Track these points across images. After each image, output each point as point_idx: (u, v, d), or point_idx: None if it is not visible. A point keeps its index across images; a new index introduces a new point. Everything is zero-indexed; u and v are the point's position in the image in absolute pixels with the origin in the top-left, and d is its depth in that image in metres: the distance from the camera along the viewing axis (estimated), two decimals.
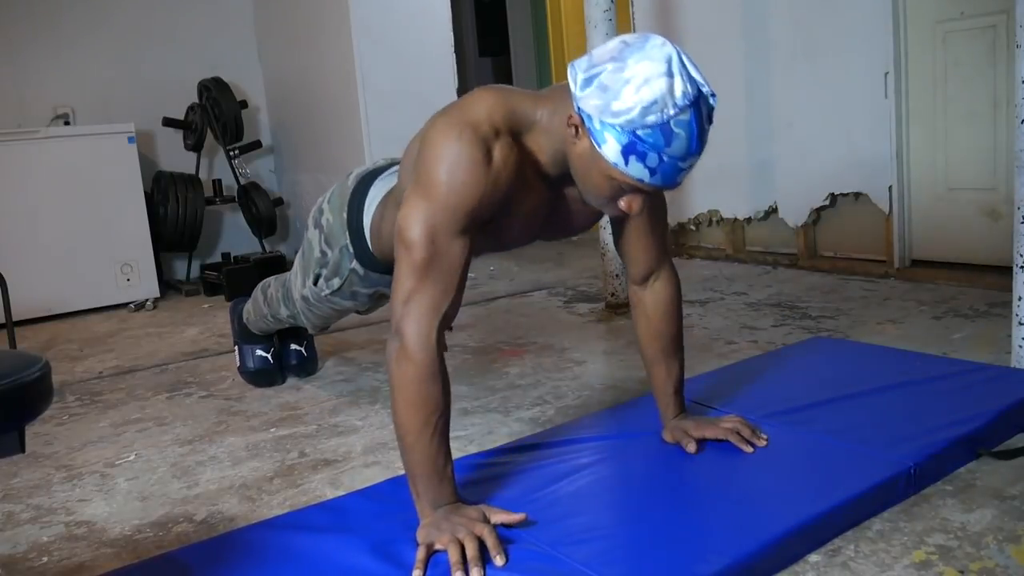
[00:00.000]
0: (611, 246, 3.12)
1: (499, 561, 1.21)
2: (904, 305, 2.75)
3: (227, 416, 2.19)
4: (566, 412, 1.99)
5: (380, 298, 1.95)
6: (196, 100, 4.36)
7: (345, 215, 1.74)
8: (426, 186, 1.27)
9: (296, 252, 4.47)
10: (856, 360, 2.06)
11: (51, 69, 4.18)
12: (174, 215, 4.08)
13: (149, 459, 1.93)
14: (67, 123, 4.14)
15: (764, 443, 1.55)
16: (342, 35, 3.93)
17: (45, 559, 1.47)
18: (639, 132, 1.15)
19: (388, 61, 3.96)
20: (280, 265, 4.14)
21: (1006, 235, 2.52)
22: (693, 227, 4.02)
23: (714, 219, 3.89)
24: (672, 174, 1.19)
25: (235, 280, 3.82)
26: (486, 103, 1.29)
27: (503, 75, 6.96)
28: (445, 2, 4.13)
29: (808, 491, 1.36)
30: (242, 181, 4.36)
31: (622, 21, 3.45)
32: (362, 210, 1.72)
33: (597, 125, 1.18)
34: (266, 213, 4.34)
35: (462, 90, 4.29)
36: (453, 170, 1.25)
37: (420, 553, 1.23)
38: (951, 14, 2.94)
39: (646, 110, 1.14)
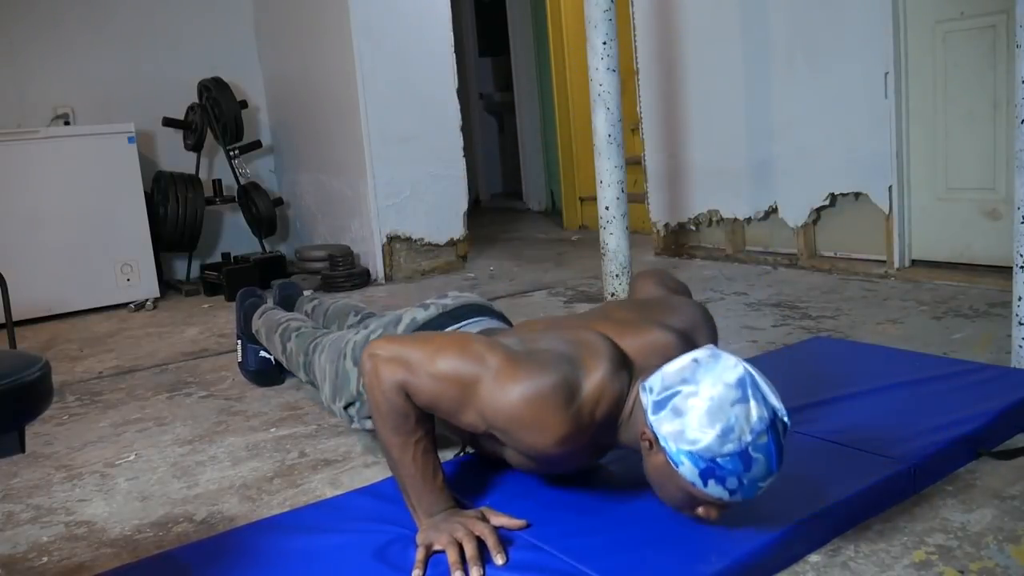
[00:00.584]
0: (611, 246, 3.12)
1: (499, 560, 1.21)
2: (904, 305, 2.75)
3: (227, 416, 2.19)
4: None
5: None
6: (196, 100, 4.36)
7: None
8: (502, 380, 1.24)
9: (295, 252, 4.46)
10: (856, 360, 2.06)
11: (51, 69, 4.18)
12: (174, 215, 4.08)
13: (149, 459, 1.93)
14: (67, 123, 4.14)
15: None
16: (342, 35, 3.93)
17: (45, 559, 1.47)
18: (717, 459, 1.12)
19: (388, 61, 3.96)
20: (280, 265, 4.15)
21: (1006, 235, 2.52)
22: (693, 227, 4.02)
23: (714, 219, 3.89)
24: (752, 492, 1.16)
25: (235, 280, 3.82)
26: (605, 387, 1.24)
27: (503, 75, 6.96)
28: (445, 2, 4.13)
29: (808, 491, 1.36)
30: (242, 181, 4.35)
31: (622, 21, 3.44)
32: None
33: (673, 448, 1.15)
34: (266, 213, 4.34)
35: (462, 90, 4.29)
36: (528, 413, 1.22)
37: (419, 554, 1.24)
38: (951, 14, 2.94)
39: (723, 439, 1.11)
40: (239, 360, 2.43)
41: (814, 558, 1.25)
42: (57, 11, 4.17)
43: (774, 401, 1.16)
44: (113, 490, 1.76)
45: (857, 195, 3.28)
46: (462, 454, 1.66)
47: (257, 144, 4.44)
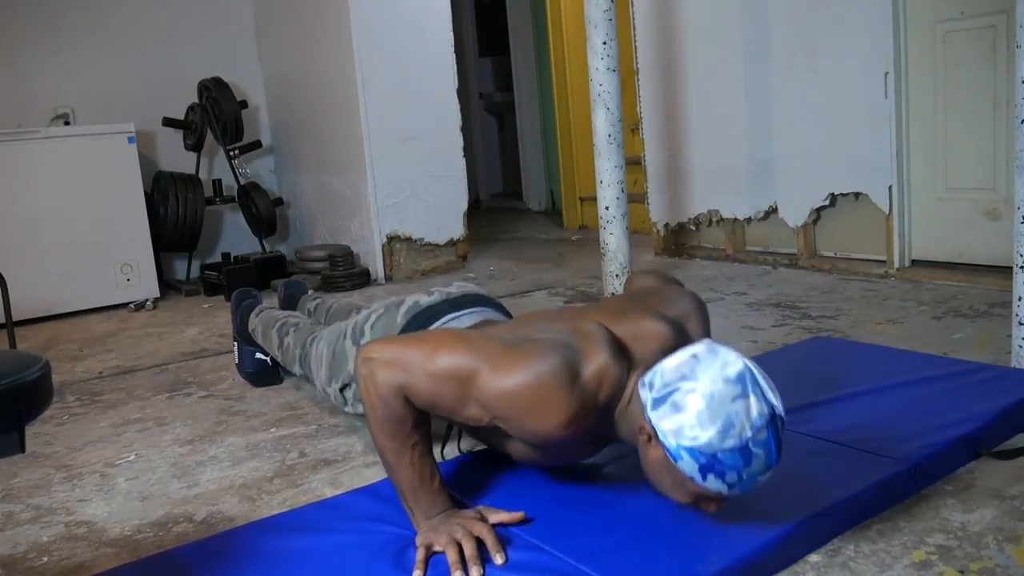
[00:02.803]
0: (611, 246, 3.12)
1: (498, 560, 1.21)
2: (904, 305, 2.75)
3: (227, 416, 2.19)
4: None
5: None
6: (196, 100, 4.36)
7: None
8: (502, 368, 1.23)
9: (295, 252, 4.45)
10: (856, 360, 2.05)
11: (51, 69, 4.18)
12: (174, 215, 4.08)
13: (149, 459, 1.92)
14: (67, 123, 4.14)
15: None
16: (342, 35, 3.93)
17: (45, 559, 1.47)
18: (718, 455, 1.12)
19: (388, 61, 3.95)
20: (280, 265, 4.15)
21: (1006, 235, 2.52)
22: (693, 227, 4.01)
23: (714, 219, 3.89)
24: (750, 486, 1.16)
25: (235, 280, 3.82)
26: (606, 371, 1.23)
27: (503, 75, 6.97)
28: (445, 2, 4.13)
29: (808, 491, 1.36)
30: (242, 181, 4.35)
31: (622, 21, 3.45)
32: None
33: (672, 444, 1.15)
34: (266, 213, 4.34)
35: (462, 90, 4.29)
36: (532, 396, 1.21)
37: (419, 554, 1.24)
38: (951, 14, 2.94)
39: (723, 435, 1.11)
40: (236, 362, 2.43)
41: (814, 558, 1.25)
42: (57, 11, 4.17)
43: (772, 397, 1.16)
44: (113, 490, 1.76)
45: (857, 195, 3.28)
46: (459, 451, 1.66)
47: (257, 144, 4.44)
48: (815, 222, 3.48)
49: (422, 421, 1.30)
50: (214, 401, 2.33)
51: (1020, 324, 1.93)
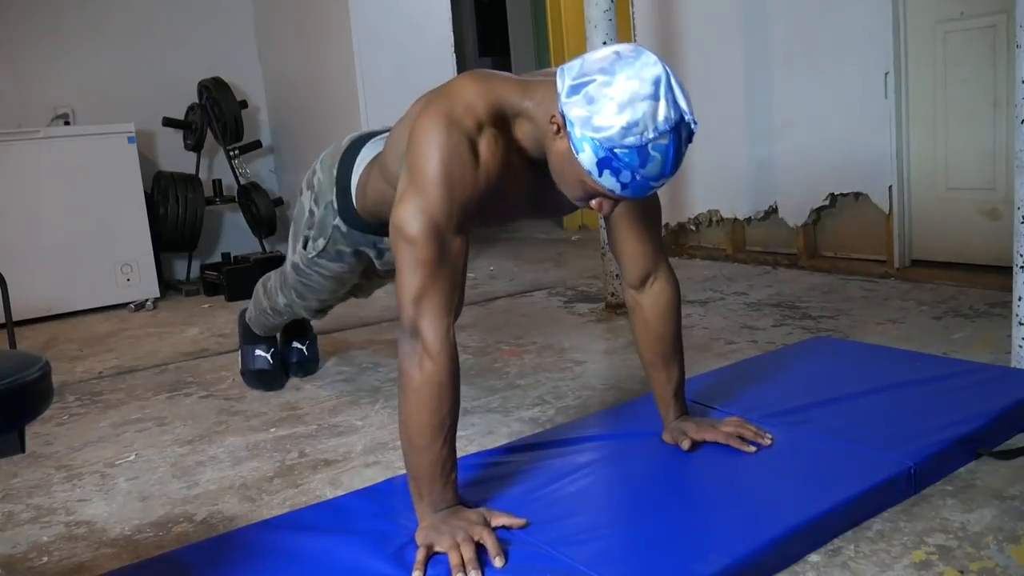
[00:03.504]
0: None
1: (498, 563, 1.21)
2: (904, 305, 2.75)
3: (227, 416, 2.19)
4: (566, 412, 1.99)
5: (372, 276, 2.06)
6: (196, 100, 4.36)
7: (335, 172, 1.81)
8: (421, 183, 1.27)
9: None
10: (856, 360, 2.06)
11: (51, 69, 4.19)
12: (174, 215, 4.08)
13: (149, 459, 1.92)
14: (67, 123, 4.14)
15: (769, 442, 1.54)
16: (342, 35, 3.93)
17: (45, 559, 1.47)
18: (616, 151, 1.16)
19: (388, 61, 3.96)
20: (280, 265, 4.14)
21: (1006, 235, 2.52)
22: (693, 227, 4.02)
23: (714, 219, 3.89)
24: (643, 191, 1.21)
25: (235, 280, 3.82)
26: (469, 94, 1.30)
27: None
28: (445, 2, 4.13)
29: (808, 491, 1.36)
30: (242, 181, 4.36)
31: (622, 21, 3.44)
32: (351, 169, 1.77)
33: (577, 133, 1.19)
34: (266, 213, 4.34)
35: None
36: (446, 168, 1.26)
37: (420, 554, 1.23)
38: (951, 14, 2.94)
39: (626, 131, 1.15)
40: (240, 368, 2.44)
41: (814, 558, 1.25)
42: (57, 11, 4.18)
43: (684, 105, 1.18)
44: (113, 490, 1.76)
45: (857, 195, 3.28)
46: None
47: (257, 144, 4.45)
48: (815, 222, 3.48)
49: (458, 398, 1.30)
50: (214, 401, 2.33)
51: (1020, 324, 1.93)
